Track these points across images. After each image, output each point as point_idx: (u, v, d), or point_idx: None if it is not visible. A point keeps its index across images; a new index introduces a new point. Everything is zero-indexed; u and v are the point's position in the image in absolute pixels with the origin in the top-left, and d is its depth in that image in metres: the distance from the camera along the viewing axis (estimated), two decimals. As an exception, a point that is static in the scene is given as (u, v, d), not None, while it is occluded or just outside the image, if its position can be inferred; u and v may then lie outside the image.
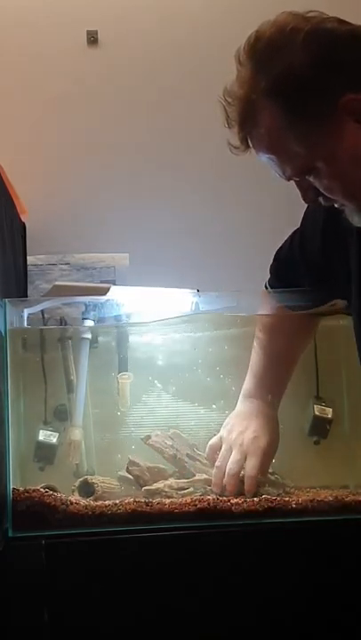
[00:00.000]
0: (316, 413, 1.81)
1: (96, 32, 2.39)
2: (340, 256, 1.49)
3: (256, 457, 1.60)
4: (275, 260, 1.69)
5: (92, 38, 2.39)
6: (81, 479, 1.65)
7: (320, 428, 1.81)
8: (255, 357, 1.69)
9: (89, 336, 1.76)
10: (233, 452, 1.60)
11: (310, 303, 1.68)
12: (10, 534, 1.47)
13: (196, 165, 2.36)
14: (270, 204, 2.30)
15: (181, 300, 1.79)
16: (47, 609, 1.42)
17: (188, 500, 1.53)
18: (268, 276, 1.73)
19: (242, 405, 1.67)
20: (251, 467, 1.59)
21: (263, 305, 1.74)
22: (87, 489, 1.61)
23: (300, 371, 1.81)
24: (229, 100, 1.31)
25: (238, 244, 2.33)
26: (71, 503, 1.51)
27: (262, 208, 2.33)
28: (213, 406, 1.79)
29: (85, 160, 2.37)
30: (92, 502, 1.54)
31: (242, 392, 1.68)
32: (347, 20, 1.29)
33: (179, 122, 2.37)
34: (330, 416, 1.81)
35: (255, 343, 1.69)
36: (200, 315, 1.80)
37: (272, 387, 1.68)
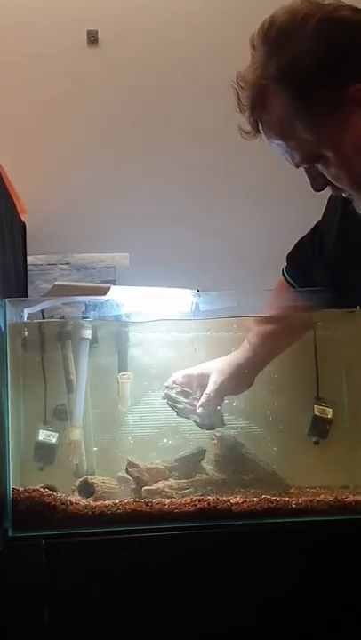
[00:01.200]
0: (317, 414, 1.81)
1: (96, 32, 2.39)
2: (354, 247, 1.49)
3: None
4: (295, 247, 1.69)
5: (93, 38, 2.39)
6: (81, 479, 1.65)
7: (320, 428, 1.80)
8: (254, 333, 1.72)
9: (89, 336, 1.76)
10: None
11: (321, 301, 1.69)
12: (10, 534, 1.47)
13: (197, 165, 2.36)
14: (271, 204, 2.30)
15: (181, 300, 1.79)
16: (47, 609, 1.42)
17: (188, 500, 1.53)
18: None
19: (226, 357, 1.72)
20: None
21: (276, 296, 1.75)
22: (87, 489, 1.61)
23: (301, 371, 1.81)
24: (242, 84, 1.31)
25: (238, 244, 2.33)
26: (71, 503, 1.51)
27: (263, 208, 2.33)
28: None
29: (85, 160, 2.37)
30: (92, 502, 1.54)
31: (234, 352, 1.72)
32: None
33: (179, 121, 2.37)
34: (330, 416, 1.81)
35: (256, 325, 1.73)
36: (200, 315, 1.80)
37: (261, 360, 1.72)
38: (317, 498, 1.57)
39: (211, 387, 1.68)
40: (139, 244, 2.27)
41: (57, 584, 1.43)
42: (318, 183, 1.34)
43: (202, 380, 1.71)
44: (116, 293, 1.73)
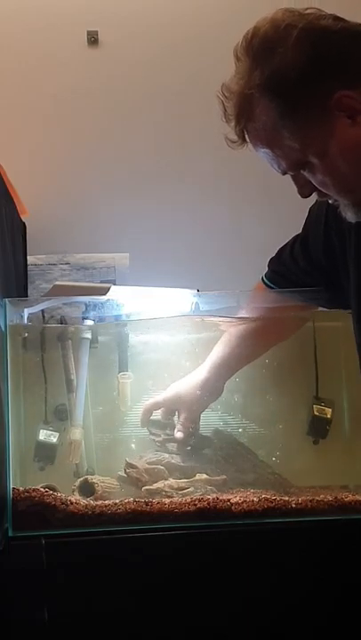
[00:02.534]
0: (316, 413, 1.81)
1: (96, 32, 2.39)
2: (341, 254, 1.50)
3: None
4: (277, 258, 1.70)
5: (93, 38, 2.39)
6: (81, 479, 1.65)
7: (319, 428, 1.81)
8: (225, 340, 1.73)
9: (89, 336, 1.76)
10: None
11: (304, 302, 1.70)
12: (10, 534, 1.47)
13: (197, 165, 2.36)
14: (271, 203, 2.30)
15: (181, 299, 1.79)
16: (47, 609, 1.43)
17: (188, 500, 1.53)
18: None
19: (194, 373, 1.74)
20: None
21: (254, 299, 1.76)
22: (87, 489, 1.61)
23: (300, 371, 1.81)
24: (227, 94, 1.34)
25: (238, 244, 2.33)
26: (71, 503, 1.51)
27: (263, 208, 2.33)
28: (214, 406, 1.79)
29: (85, 160, 2.37)
30: (92, 502, 1.54)
31: (204, 363, 1.73)
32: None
33: (179, 122, 2.37)
34: (329, 416, 1.81)
35: (232, 329, 1.74)
36: (200, 314, 1.80)
37: (228, 372, 1.73)
38: (317, 498, 1.57)
39: (182, 418, 1.72)
40: (139, 244, 2.27)
41: (57, 584, 1.43)
42: (305, 189, 1.36)
43: (172, 405, 1.73)
44: (116, 293, 1.73)
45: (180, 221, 2.35)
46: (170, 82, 2.37)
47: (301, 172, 1.33)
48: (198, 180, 2.37)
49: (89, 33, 2.39)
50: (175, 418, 1.74)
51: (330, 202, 1.37)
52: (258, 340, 1.75)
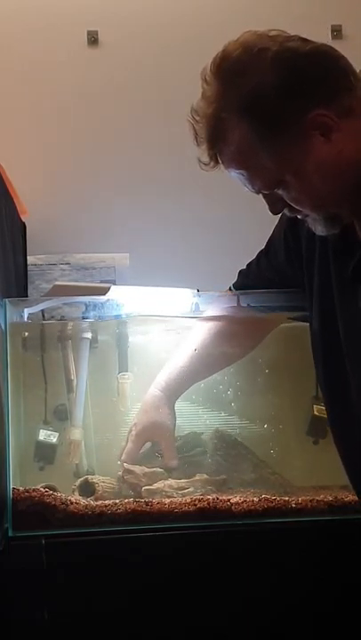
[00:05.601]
0: (316, 413, 1.81)
1: (96, 32, 2.39)
2: (302, 262, 1.52)
3: (129, 443, 1.67)
4: (247, 268, 1.71)
5: (93, 38, 2.39)
6: (81, 479, 1.65)
7: (319, 428, 1.81)
8: (182, 351, 1.71)
9: (89, 336, 1.77)
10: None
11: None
12: (10, 534, 1.47)
13: (197, 165, 2.36)
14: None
15: (181, 300, 1.79)
16: (47, 609, 1.43)
17: (188, 500, 1.54)
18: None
19: (148, 395, 1.70)
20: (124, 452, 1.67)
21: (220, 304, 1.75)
22: (87, 489, 1.61)
23: (300, 371, 1.81)
24: (197, 117, 1.35)
25: (238, 244, 2.33)
26: (71, 503, 1.51)
27: (263, 208, 2.32)
28: (214, 406, 1.79)
29: (86, 160, 2.37)
30: (92, 502, 1.54)
31: (155, 381, 1.70)
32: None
33: (179, 122, 2.36)
34: (329, 416, 1.81)
35: (190, 337, 1.72)
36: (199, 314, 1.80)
37: (182, 385, 1.71)
38: (317, 498, 1.57)
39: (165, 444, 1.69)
40: (139, 244, 2.27)
41: (57, 584, 1.43)
42: (277, 207, 1.38)
43: (153, 436, 1.70)
44: (116, 293, 1.73)
45: (180, 221, 2.35)
46: (170, 82, 2.37)
47: (275, 190, 1.34)
48: (198, 180, 2.37)
49: (89, 33, 2.39)
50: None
51: (299, 217, 1.39)
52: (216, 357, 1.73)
